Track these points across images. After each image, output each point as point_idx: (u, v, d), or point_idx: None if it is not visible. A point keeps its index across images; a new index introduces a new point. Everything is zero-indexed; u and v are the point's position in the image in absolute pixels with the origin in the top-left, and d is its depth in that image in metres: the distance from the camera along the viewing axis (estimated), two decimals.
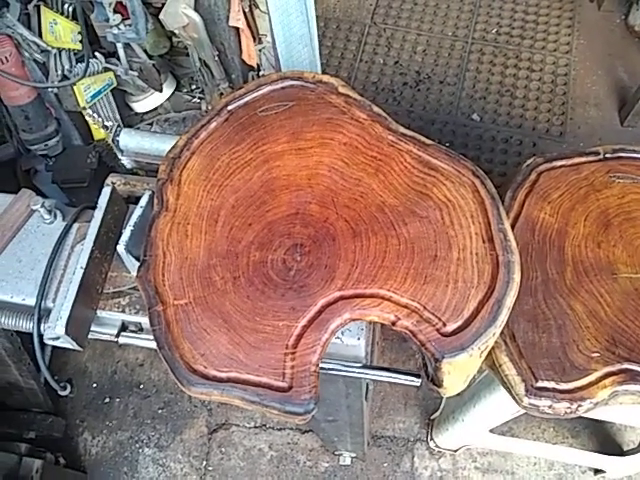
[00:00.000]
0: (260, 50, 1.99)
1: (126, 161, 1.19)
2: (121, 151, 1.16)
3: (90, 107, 1.96)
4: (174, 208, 0.87)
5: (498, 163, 2.49)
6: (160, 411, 2.09)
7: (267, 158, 0.90)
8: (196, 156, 0.92)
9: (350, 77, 2.71)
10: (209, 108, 2.13)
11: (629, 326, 0.92)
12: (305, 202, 0.85)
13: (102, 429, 2.06)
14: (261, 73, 2.05)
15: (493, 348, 0.89)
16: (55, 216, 1.01)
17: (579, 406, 0.87)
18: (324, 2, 2.93)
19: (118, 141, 1.14)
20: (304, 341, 0.75)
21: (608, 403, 0.90)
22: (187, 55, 1.99)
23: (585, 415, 0.91)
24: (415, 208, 0.82)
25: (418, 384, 0.89)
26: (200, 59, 1.96)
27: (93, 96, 1.94)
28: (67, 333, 0.84)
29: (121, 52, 1.83)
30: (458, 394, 0.83)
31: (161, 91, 2.09)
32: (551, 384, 0.88)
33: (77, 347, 0.88)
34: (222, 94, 2.03)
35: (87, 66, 1.78)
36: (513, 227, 1.00)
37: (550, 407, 0.88)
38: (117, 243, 0.88)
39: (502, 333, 0.89)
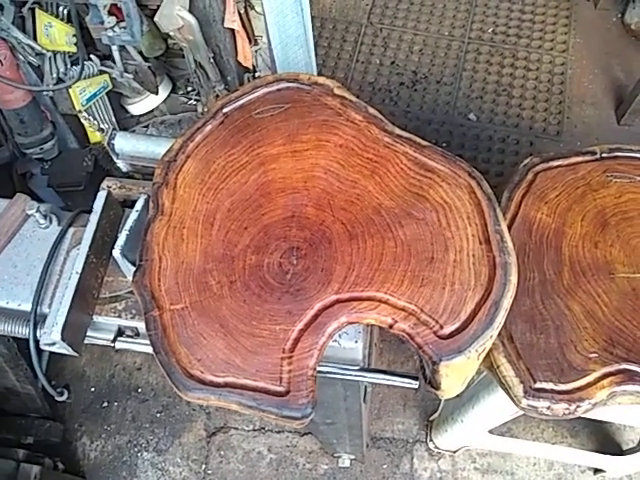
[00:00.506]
0: (256, 51, 1.98)
1: (122, 164, 1.19)
2: (116, 154, 1.15)
3: (86, 110, 1.95)
4: (170, 212, 0.87)
5: (495, 163, 2.48)
6: (158, 415, 2.08)
7: (263, 161, 0.89)
8: (191, 159, 0.91)
9: (347, 77, 2.71)
10: (205, 110, 2.12)
11: (627, 326, 0.92)
12: (301, 205, 0.85)
13: (100, 433, 2.06)
14: (257, 74, 2.05)
15: (491, 349, 0.89)
16: (50, 221, 1.00)
17: (577, 407, 0.87)
18: (320, 2, 2.93)
19: (113, 144, 1.14)
20: (301, 345, 0.75)
21: (607, 404, 0.89)
22: (183, 57, 1.99)
23: (584, 415, 0.91)
24: (411, 210, 0.82)
25: (416, 387, 0.89)
26: (195, 61, 1.96)
27: (89, 99, 1.94)
28: (63, 339, 0.84)
29: (116, 54, 1.83)
30: (457, 396, 0.82)
31: (157, 93, 2.08)
32: (549, 385, 0.88)
33: (73, 353, 0.88)
34: (218, 96, 2.02)
35: (82, 69, 1.78)
36: (510, 228, 1.00)
37: (548, 408, 0.87)
38: (113, 247, 0.88)
39: (500, 334, 0.89)
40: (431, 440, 1.97)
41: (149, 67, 1.93)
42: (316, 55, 1.89)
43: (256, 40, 1.95)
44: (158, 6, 1.75)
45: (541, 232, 1.00)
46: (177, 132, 2.16)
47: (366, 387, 1.30)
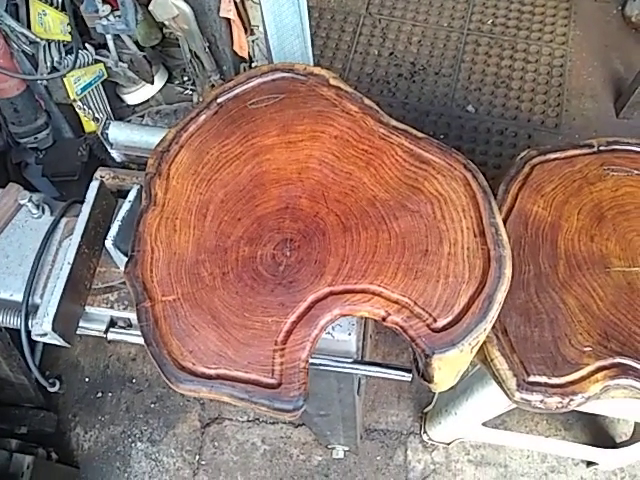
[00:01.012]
0: (253, 41, 1.97)
1: (116, 154, 1.18)
2: (110, 144, 1.14)
3: (80, 99, 1.93)
4: (162, 203, 0.86)
5: (493, 155, 2.48)
6: (153, 405, 2.08)
7: (257, 152, 0.88)
8: (185, 150, 0.91)
9: (344, 68, 2.69)
10: (200, 100, 2.11)
11: (621, 320, 0.91)
12: (295, 196, 0.84)
13: (94, 424, 2.06)
14: (253, 64, 2.03)
15: (485, 342, 0.88)
16: (43, 210, 0.99)
17: (571, 400, 0.87)
18: None
19: (107, 134, 1.13)
20: (293, 337, 0.74)
21: (600, 397, 0.89)
22: (179, 46, 1.97)
23: (577, 409, 0.90)
24: (406, 202, 0.81)
25: (409, 379, 0.89)
26: (191, 50, 1.94)
27: (83, 88, 1.92)
28: (54, 330, 0.83)
29: (111, 43, 1.81)
30: (451, 388, 0.82)
31: (152, 83, 2.07)
32: (543, 379, 0.88)
33: (65, 344, 0.87)
34: (214, 86, 2.01)
35: (77, 58, 1.76)
36: (506, 220, 0.99)
37: (542, 402, 0.87)
38: (105, 238, 0.87)
39: (494, 327, 0.88)
40: (425, 432, 1.98)
41: (145, 56, 1.92)
42: (314, 45, 1.88)
43: (252, 30, 1.93)
44: None
45: (537, 225, 0.99)
46: (173, 122, 2.15)
47: (360, 379, 1.30)
